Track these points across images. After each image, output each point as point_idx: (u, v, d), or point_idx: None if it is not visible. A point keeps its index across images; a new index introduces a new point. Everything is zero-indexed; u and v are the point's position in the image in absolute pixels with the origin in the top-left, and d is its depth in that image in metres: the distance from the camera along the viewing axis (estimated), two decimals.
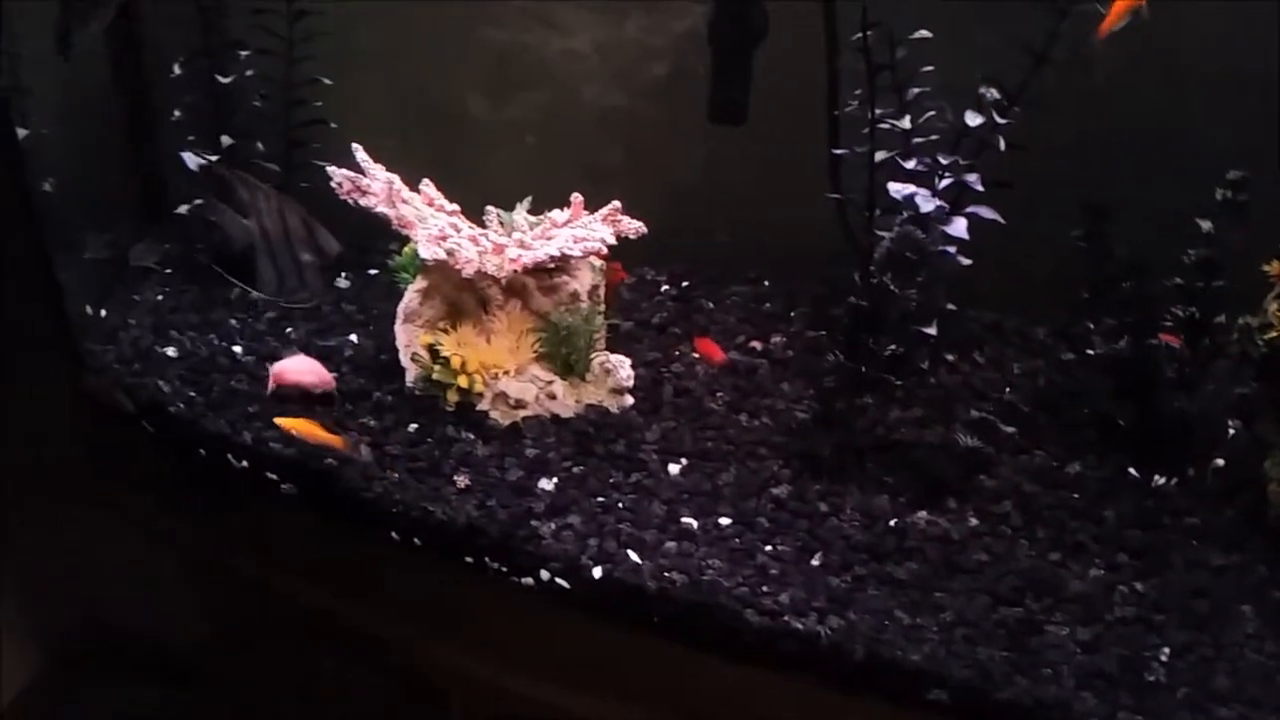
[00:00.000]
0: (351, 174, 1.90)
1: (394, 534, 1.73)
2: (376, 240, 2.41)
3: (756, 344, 2.13)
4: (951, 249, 1.81)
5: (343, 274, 2.33)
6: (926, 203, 1.75)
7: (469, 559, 1.68)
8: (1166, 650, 1.46)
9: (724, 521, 1.67)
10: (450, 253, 1.81)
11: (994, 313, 2.18)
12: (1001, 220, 1.86)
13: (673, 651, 1.56)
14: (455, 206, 1.98)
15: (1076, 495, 1.74)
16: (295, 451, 1.80)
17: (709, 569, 1.56)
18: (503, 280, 1.91)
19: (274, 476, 1.83)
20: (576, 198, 1.94)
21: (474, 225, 1.97)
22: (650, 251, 2.07)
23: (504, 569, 1.66)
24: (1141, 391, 1.82)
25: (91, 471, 2.06)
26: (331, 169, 1.89)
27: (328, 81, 2.17)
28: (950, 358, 2.04)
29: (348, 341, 2.10)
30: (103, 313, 2.18)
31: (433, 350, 1.90)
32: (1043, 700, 1.38)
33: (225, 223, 1.82)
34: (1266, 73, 1.85)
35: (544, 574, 1.62)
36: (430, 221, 1.87)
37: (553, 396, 1.91)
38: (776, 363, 2.07)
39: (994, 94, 1.75)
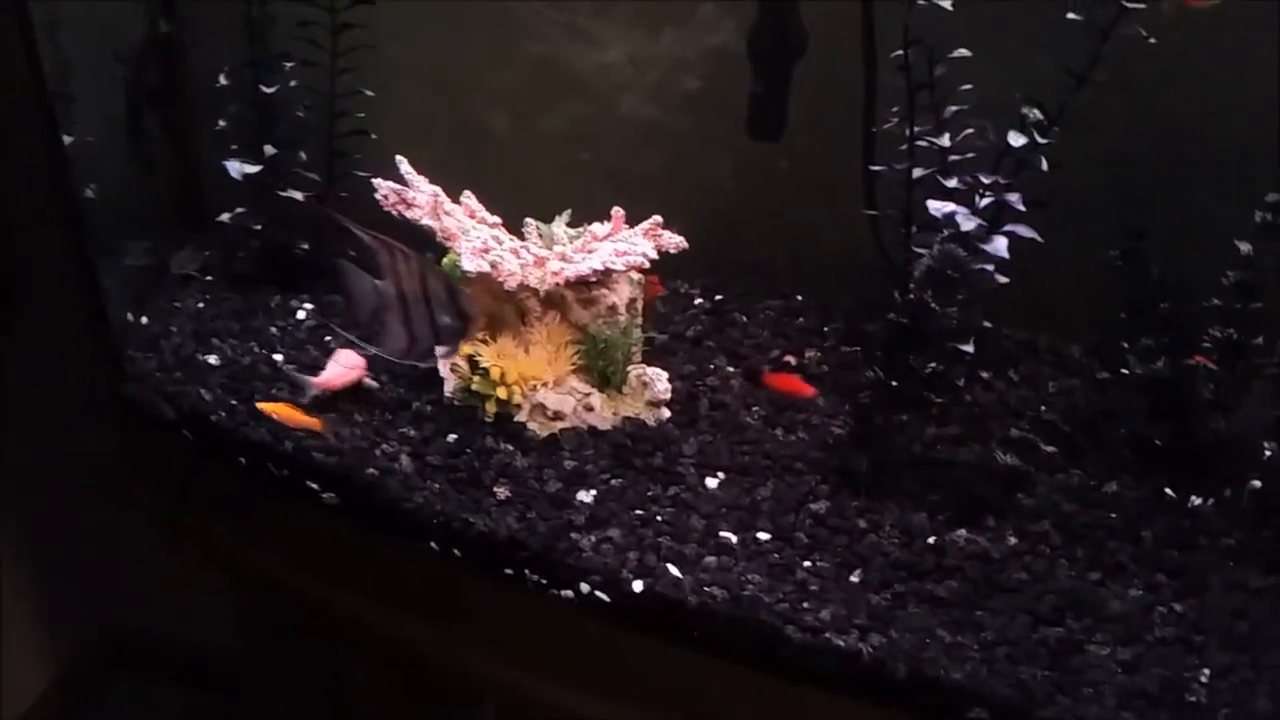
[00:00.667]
0: (396, 186, 1.92)
1: (434, 545, 1.75)
2: (412, 247, 2.45)
3: (791, 359, 2.14)
4: (990, 267, 1.82)
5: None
6: (967, 221, 1.76)
7: (509, 571, 1.69)
8: (1206, 671, 1.46)
9: (763, 536, 1.68)
10: (493, 265, 1.82)
11: (1027, 330, 2.19)
12: (1040, 239, 1.87)
13: (712, 666, 1.57)
14: (496, 219, 2.00)
15: (1114, 515, 1.74)
16: (337, 461, 1.82)
17: (749, 584, 1.57)
18: (542, 293, 1.92)
19: (314, 485, 1.85)
20: (618, 211, 1.95)
21: (514, 237, 1.99)
22: (683, 264, 2.08)
23: (543, 581, 1.67)
24: (1178, 412, 1.83)
25: (132, 478, 2.08)
26: (377, 181, 1.92)
27: (369, 93, 2.19)
28: (985, 375, 2.04)
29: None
30: (144, 320, 2.20)
31: (472, 361, 1.92)
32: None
33: (351, 284, 1.81)
34: None
35: (584, 587, 1.63)
36: (473, 234, 1.89)
37: (590, 408, 1.92)
38: (811, 377, 2.08)
39: (1036, 114, 1.76)
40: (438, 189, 1.93)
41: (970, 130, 1.87)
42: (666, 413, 1.96)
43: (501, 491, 1.76)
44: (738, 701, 1.59)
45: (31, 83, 1.99)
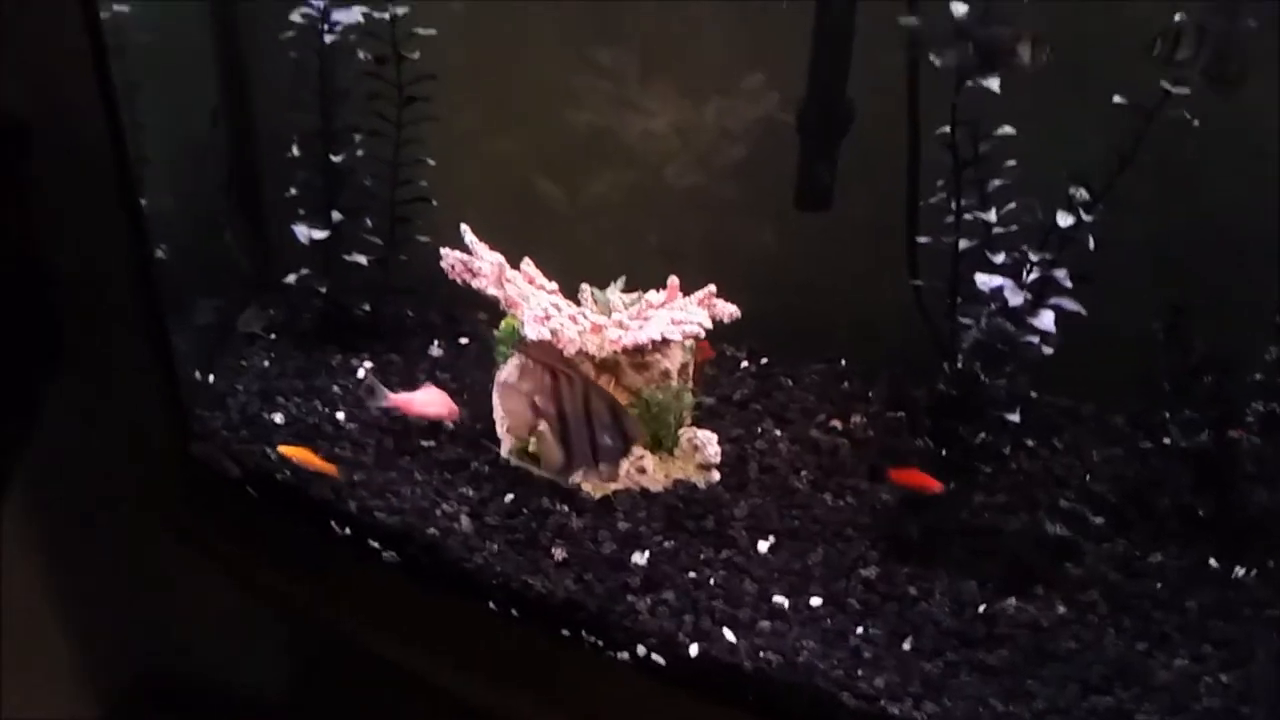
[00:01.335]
0: (462, 256, 2.00)
1: (491, 604, 1.80)
2: (464, 309, 2.53)
3: (837, 423, 2.19)
4: (1036, 339, 1.87)
5: (435, 342, 2.44)
6: (1015, 295, 1.81)
7: (566, 632, 1.74)
8: None
9: (815, 602, 1.72)
10: (554, 332, 1.89)
11: (1070, 397, 2.23)
12: (1084, 312, 1.92)
13: None
14: (554, 285, 2.07)
15: (1160, 585, 1.77)
16: (399, 521, 1.88)
17: (804, 649, 1.61)
18: (598, 358, 1.99)
19: (375, 544, 1.91)
20: (673, 281, 2.01)
21: (571, 304, 2.06)
22: (729, 327, 2.14)
23: (600, 643, 1.72)
24: (1221, 484, 1.86)
25: (199, 533, 2.14)
26: (445, 251, 1.99)
27: (431, 162, 2.27)
28: (1030, 443, 2.09)
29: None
30: (211, 378, 2.28)
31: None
32: None
33: (508, 402, 1.89)
34: None
35: (640, 649, 1.67)
36: (534, 301, 1.95)
37: (643, 471, 1.98)
38: (857, 443, 2.13)
39: (1083, 194, 1.81)
40: (500, 257, 2.00)
41: (1014, 205, 1.94)
42: (717, 475, 2.01)
43: (558, 553, 1.82)
44: None
45: (113, 146, 2.08)
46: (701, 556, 1.82)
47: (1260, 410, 1.84)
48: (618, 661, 1.69)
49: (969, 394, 1.81)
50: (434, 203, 2.30)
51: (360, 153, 2.28)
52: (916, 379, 2.21)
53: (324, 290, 2.35)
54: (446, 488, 1.98)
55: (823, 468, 2.05)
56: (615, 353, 1.97)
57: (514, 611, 1.79)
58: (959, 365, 1.86)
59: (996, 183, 1.95)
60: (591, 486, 1.95)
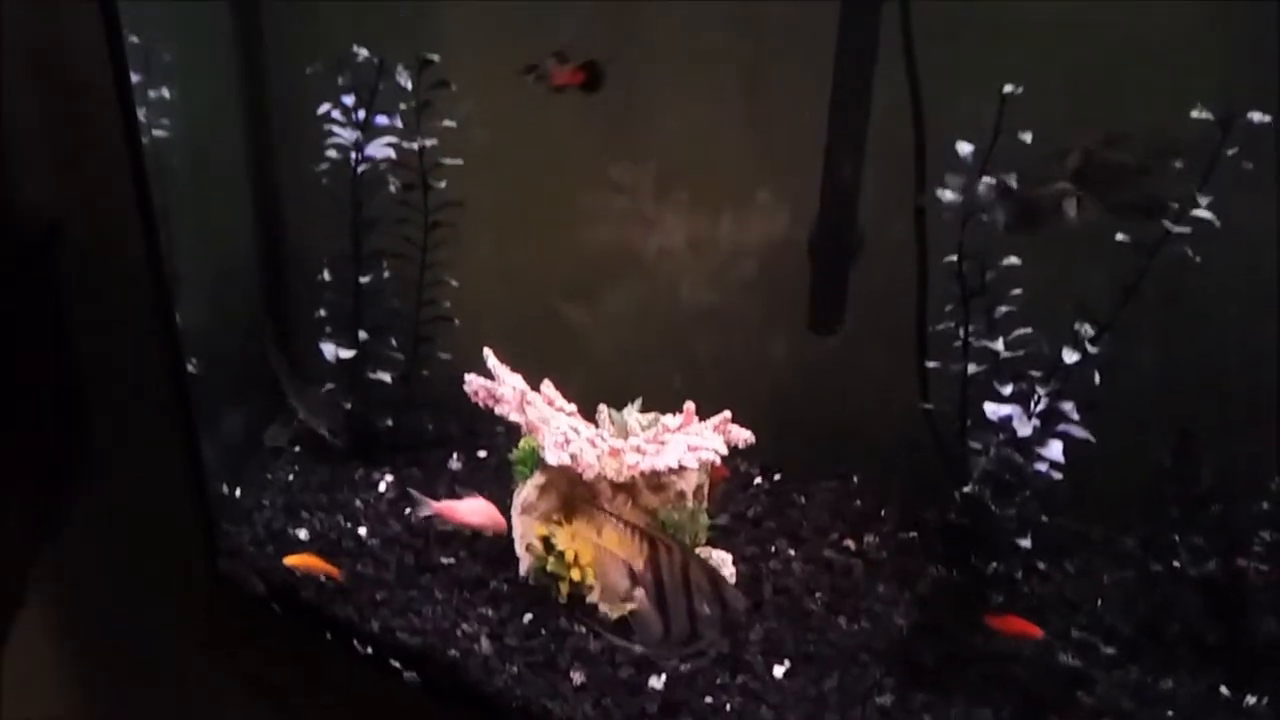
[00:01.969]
0: (485, 383, 2.06)
1: None
2: (483, 422, 2.58)
3: (850, 543, 2.22)
4: (1044, 468, 1.91)
5: (455, 455, 2.49)
6: (1023, 427, 1.86)
7: None
8: None
9: None
10: (573, 457, 1.94)
11: (1081, 520, 2.26)
12: (1093, 439, 1.96)
13: None
14: (573, 407, 2.12)
15: (1171, 713, 1.79)
16: (420, 642, 1.91)
17: None
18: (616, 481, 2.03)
19: (397, 664, 1.94)
20: (689, 406, 2.06)
21: (589, 425, 2.11)
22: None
23: None
24: (1231, 612, 1.89)
25: (224, 647, 2.17)
26: (469, 377, 2.06)
27: (454, 283, 2.35)
28: (1042, 566, 2.11)
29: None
30: (238, 493, 2.33)
31: (547, 543, 2.02)
32: None
33: (601, 565, 1.90)
34: None
35: None
36: (553, 424, 2.01)
37: None
38: (871, 563, 2.16)
39: (1089, 329, 1.87)
40: (521, 382, 2.06)
41: (1020, 331, 1.99)
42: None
43: (577, 676, 1.84)
44: None
45: (149, 262, 2.16)
46: (718, 681, 1.84)
47: (1267, 539, 1.87)
48: None
49: (978, 524, 1.85)
50: (456, 322, 2.37)
51: (387, 274, 2.35)
52: (930, 498, 2.25)
53: (349, 405, 2.41)
54: (466, 607, 2.01)
55: (837, 589, 2.08)
56: (638, 475, 2.02)
57: None
58: (969, 492, 1.90)
59: (1003, 309, 2.02)
60: (610, 607, 1.99)
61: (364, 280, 2.32)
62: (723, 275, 2.50)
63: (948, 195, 1.93)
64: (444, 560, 2.13)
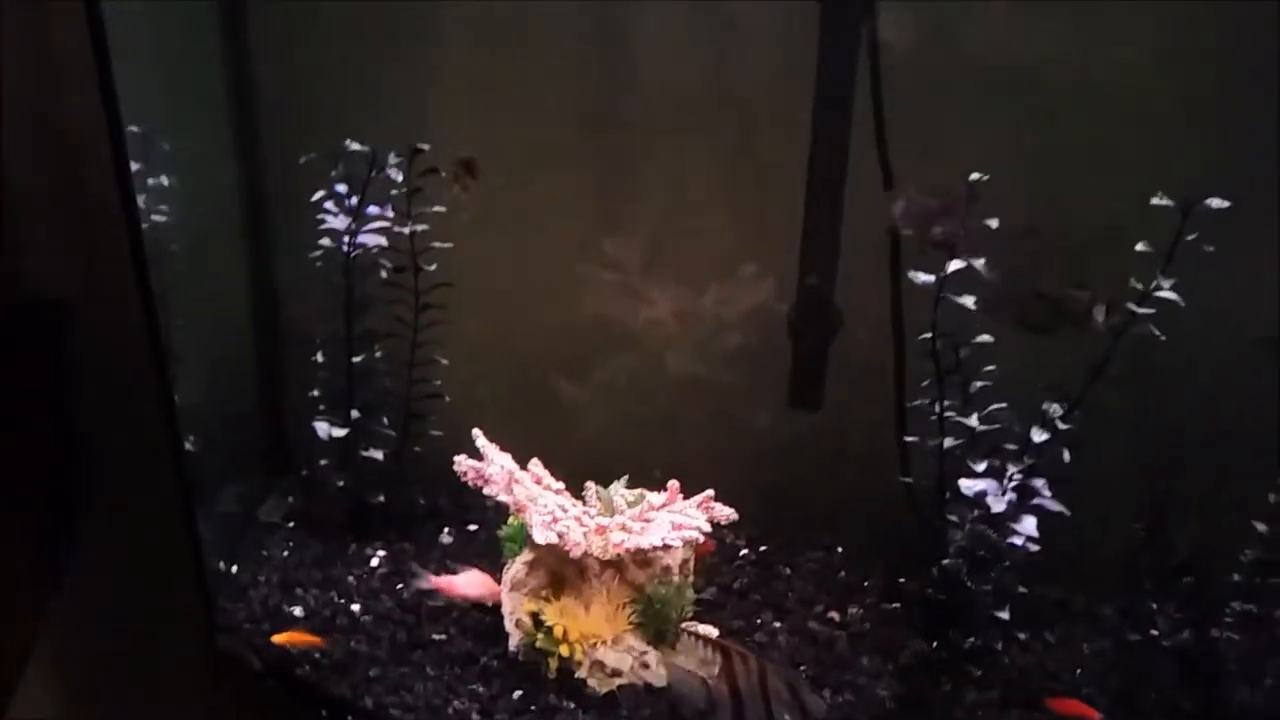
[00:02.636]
0: (475, 464, 2.11)
1: None
2: (473, 496, 2.62)
3: (834, 614, 2.26)
4: (1020, 542, 1.96)
5: (446, 529, 2.54)
6: (997, 503, 1.91)
7: None
8: None
9: None
10: (561, 535, 1.98)
11: (1061, 589, 2.30)
12: (1067, 513, 2.01)
13: None
14: (560, 485, 2.18)
15: None
16: (413, 719, 1.95)
17: None
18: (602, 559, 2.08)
19: None
20: (674, 484, 2.12)
21: (576, 501, 2.16)
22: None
23: None
24: (1206, 680, 1.93)
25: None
26: (458, 459, 2.12)
27: (444, 362, 2.41)
28: (1022, 636, 2.15)
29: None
30: (234, 569, 2.38)
31: (536, 619, 2.06)
32: None
33: (677, 681, 1.88)
34: None
35: None
36: (541, 503, 2.06)
37: (646, 666, 2.04)
38: (854, 635, 2.20)
39: (1057, 409, 1.93)
40: (510, 461, 2.12)
41: (995, 407, 2.05)
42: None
43: None
44: None
45: (149, 341, 2.22)
46: None
47: (1239, 609, 1.92)
48: None
49: (956, 598, 1.89)
50: (446, 399, 2.43)
51: (379, 354, 2.42)
52: (912, 570, 2.29)
53: (341, 482, 2.46)
54: (457, 683, 2.05)
55: (821, 661, 2.12)
56: (625, 552, 2.06)
57: None
58: (947, 565, 1.95)
59: (978, 385, 2.07)
60: (597, 682, 2.02)
61: (356, 360, 2.38)
62: (708, 344, 2.56)
63: (920, 277, 2.00)
64: (435, 636, 2.17)
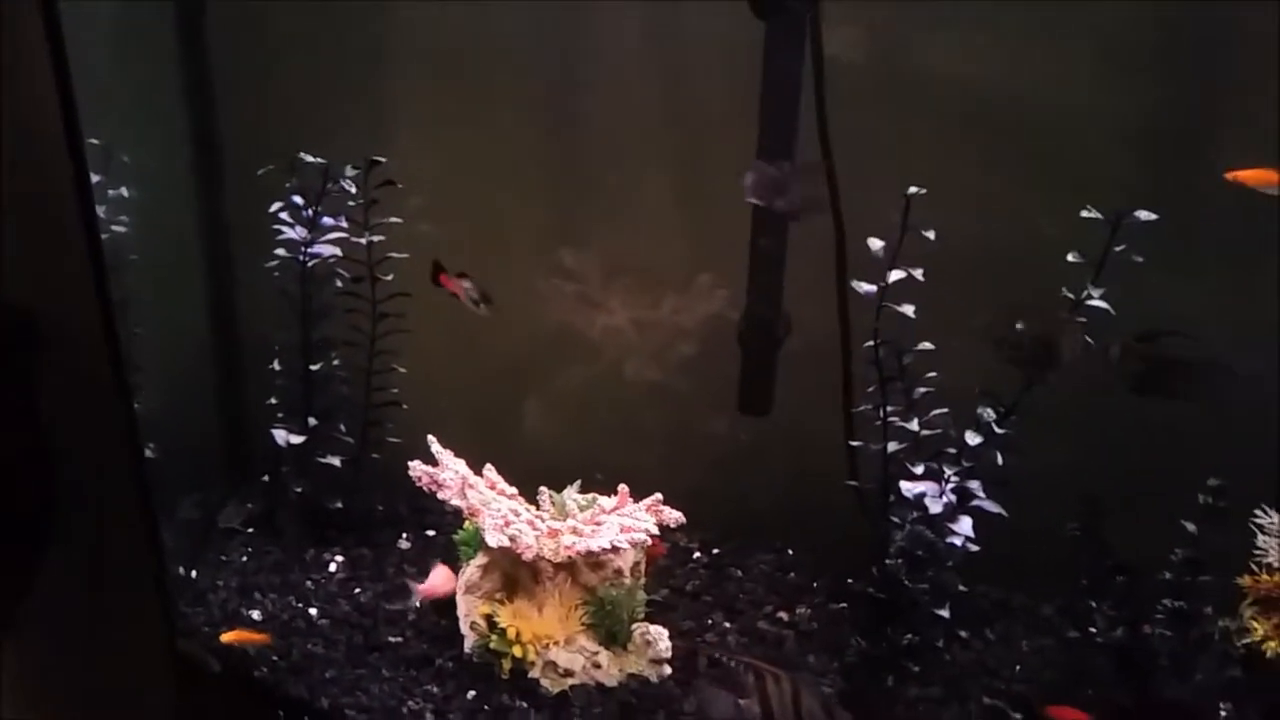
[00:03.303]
0: (428, 469, 2.16)
1: None
2: (430, 502, 2.66)
3: (783, 614, 2.32)
4: (958, 542, 2.02)
5: (404, 535, 2.58)
6: (935, 504, 1.97)
7: None
8: None
9: None
10: (513, 539, 2.03)
11: (1002, 589, 2.37)
12: (1005, 514, 2.07)
13: None
14: (514, 490, 2.23)
15: None
16: (368, 719, 1.99)
17: None
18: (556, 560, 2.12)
19: None
20: (623, 489, 2.18)
21: (529, 506, 2.21)
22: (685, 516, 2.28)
23: None
24: (1139, 676, 1.99)
25: None
26: (413, 464, 2.16)
27: (402, 370, 2.45)
28: (964, 634, 2.21)
29: (412, 606, 2.30)
30: (193, 574, 2.41)
31: (490, 621, 2.10)
32: None
33: (712, 702, 1.85)
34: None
35: None
36: (494, 507, 2.10)
37: (598, 666, 2.09)
38: (802, 634, 2.25)
39: (990, 413, 2.00)
40: (463, 467, 2.16)
41: (936, 412, 2.11)
42: (668, 669, 2.12)
43: None
44: None
45: (108, 350, 2.25)
46: None
47: (1170, 607, 1.98)
48: None
49: (895, 597, 1.95)
50: (404, 406, 2.47)
51: (336, 362, 2.46)
52: (860, 570, 2.35)
53: (300, 489, 2.50)
54: (412, 684, 2.09)
55: (768, 660, 2.16)
56: (575, 555, 2.11)
57: None
58: (887, 565, 2.01)
59: (920, 391, 2.13)
60: (550, 682, 2.07)
61: (314, 368, 2.42)
62: (664, 353, 2.62)
63: (863, 287, 2.06)
64: (391, 639, 2.21)
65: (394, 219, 2.33)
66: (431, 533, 2.58)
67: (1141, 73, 2.11)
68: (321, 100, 2.51)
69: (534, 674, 2.08)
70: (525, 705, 2.02)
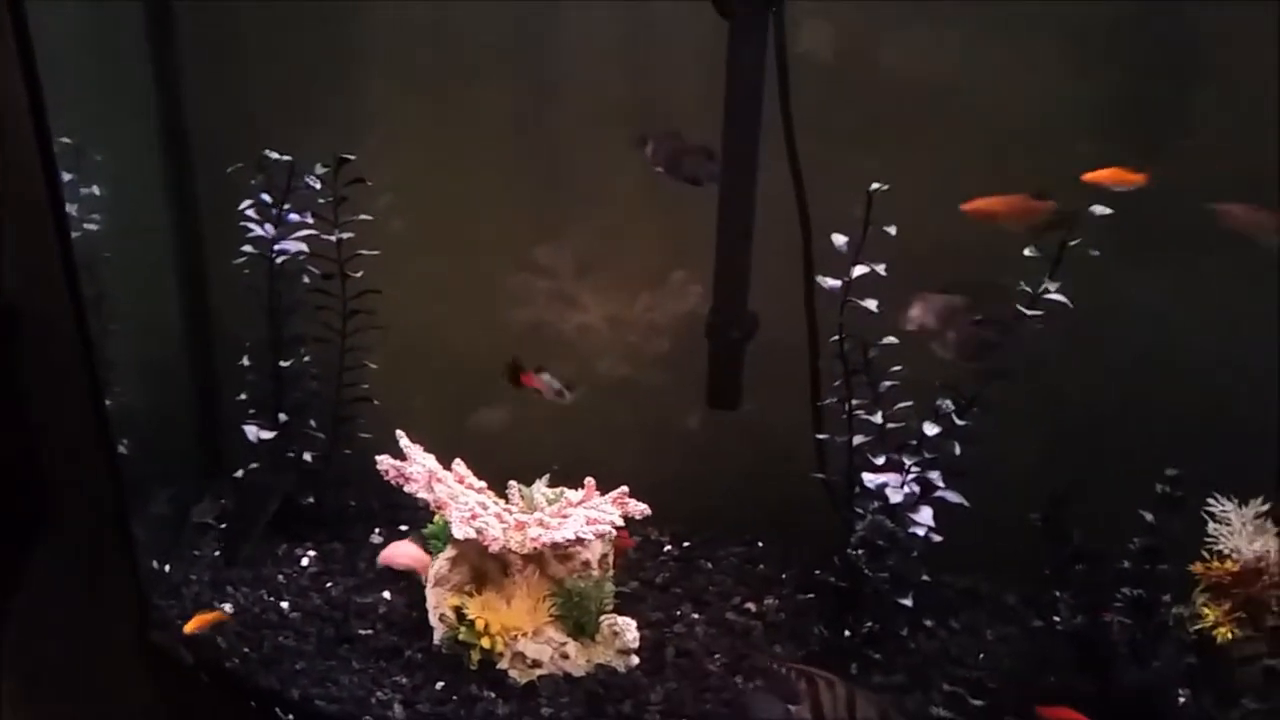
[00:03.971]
0: (396, 463, 2.18)
1: None
2: (403, 497, 2.68)
3: (751, 605, 2.34)
4: (920, 532, 2.05)
5: (376, 530, 2.60)
6: (895, 494, 2.00)
7: None
8: None
9: None
10: (479, 531, 2.05)
11: (969, 577, 2.39)
12: (967, 504, 2.10)
13: None
14: (482, 484, 2.25)
15: None
16: (337, 710, 2.01)
17: None
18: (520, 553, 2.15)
19: None
20: (589, 481, 2.20)
21: (498, 500, 2.23)
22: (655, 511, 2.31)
23: None
24: (1099, 663, 2.02)
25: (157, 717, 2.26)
26: (380, 458, 2.18)
27: (373, 366, 2.48)
28: (929, 623, 2.24)
29: (382, 599, 2.33)
30: (167, 568, 2.43)
31: (459, 613, 2.13)
32: None
33: (759, 710, 1.85)
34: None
35: None
36: (462, 500, 2.13)
37: (566, 656, 2.11)
38: (770, 625, 2.28)
39: (949, 404, 2.02)
40: (432, 462, 2.19)
41: (900, 405, 2.14)
42: (635, 660, 2.14)
43: None
44: None
45: (82, 347, 2.26)
46: None
47: (1128, 595, 2.01)
48: None
49: (856, 586, 1.98)
50: (376, 402, 2.50)
51: (306, 359, 2.48)
52: (828, 561, 2.37)
53: (271, 484, 2.52)
54: (382, 675, 2.11)
55: (736, 650, 2.20)
56: (540, 546, 2.13)
57: None
58: (849, 555, 2.04)
59: (886, 384, 2.16)
60: (518, 673, 2.09)
61: (285, 365, 2.44)
62: (638, 349, 2.64)
63: (828, 282, 2.09)
64: (362, 631, 2.23)
65: (364, 216, 2.35)
66: (404, 528, 2.59)
67: (1103, 68, 2.15)
68: (294, 98, 2.53)
69: (502, 665, 2.10)
70: (493, 695, 2.04)
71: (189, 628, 2.16)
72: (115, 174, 2.38)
